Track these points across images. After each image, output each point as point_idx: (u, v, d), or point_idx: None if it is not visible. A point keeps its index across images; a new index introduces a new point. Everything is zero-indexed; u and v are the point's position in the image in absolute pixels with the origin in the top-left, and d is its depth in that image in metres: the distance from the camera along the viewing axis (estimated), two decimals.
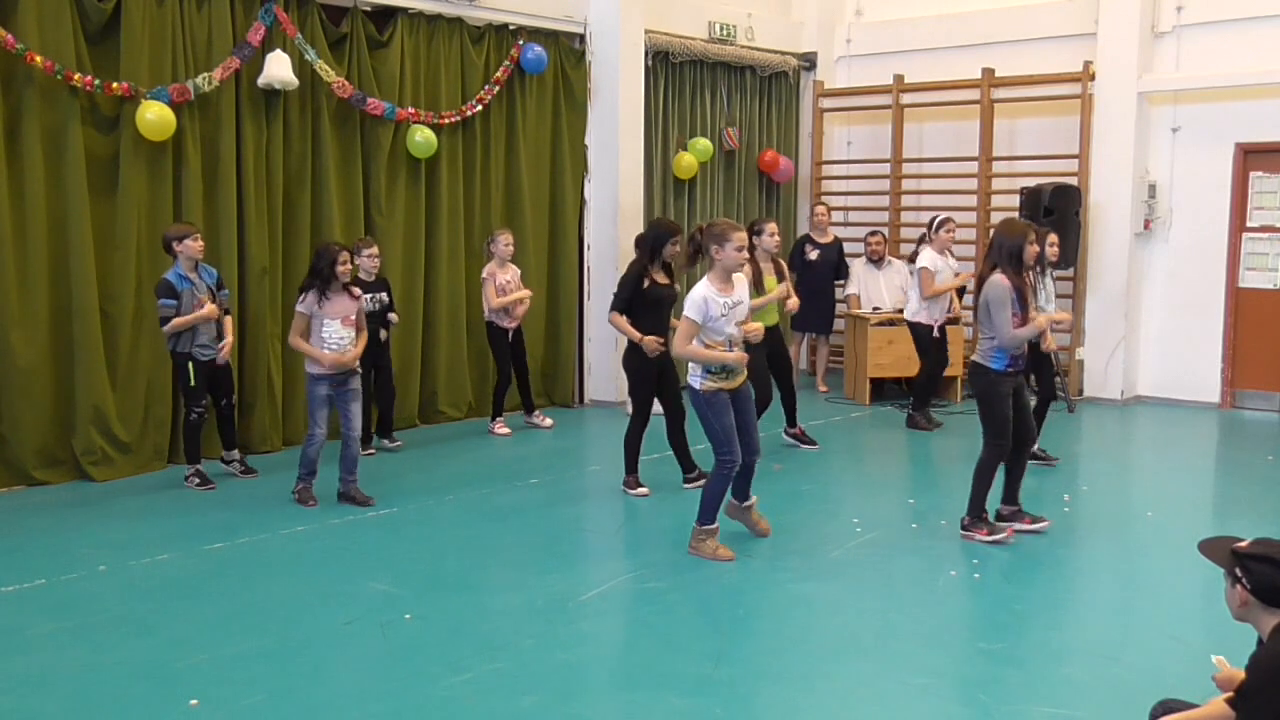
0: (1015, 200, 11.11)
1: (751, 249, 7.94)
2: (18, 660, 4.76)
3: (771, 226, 8.32)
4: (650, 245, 7.38)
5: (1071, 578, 6.02)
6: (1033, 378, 8.08)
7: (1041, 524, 6.65)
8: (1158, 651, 4.96)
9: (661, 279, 7.40)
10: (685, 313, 5.95)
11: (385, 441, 8.90)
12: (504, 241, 9.34)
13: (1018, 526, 6.56)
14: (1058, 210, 10.49)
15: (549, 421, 9.87)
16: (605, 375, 10.81)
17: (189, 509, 7.13)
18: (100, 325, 7.77)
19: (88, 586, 5.69)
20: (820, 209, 11.77)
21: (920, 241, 9.87)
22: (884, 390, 11.23)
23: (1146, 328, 11.24)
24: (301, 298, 7.06)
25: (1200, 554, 3.37)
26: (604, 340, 10.73)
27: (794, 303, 8.58)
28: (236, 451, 7.97)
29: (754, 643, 5.05)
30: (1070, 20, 11.43)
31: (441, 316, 9.80)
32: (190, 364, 7.39)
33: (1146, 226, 11.03)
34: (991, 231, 11.49)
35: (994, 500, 6.60)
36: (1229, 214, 10.69)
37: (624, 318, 7.30)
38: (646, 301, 7.31)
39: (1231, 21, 10.50)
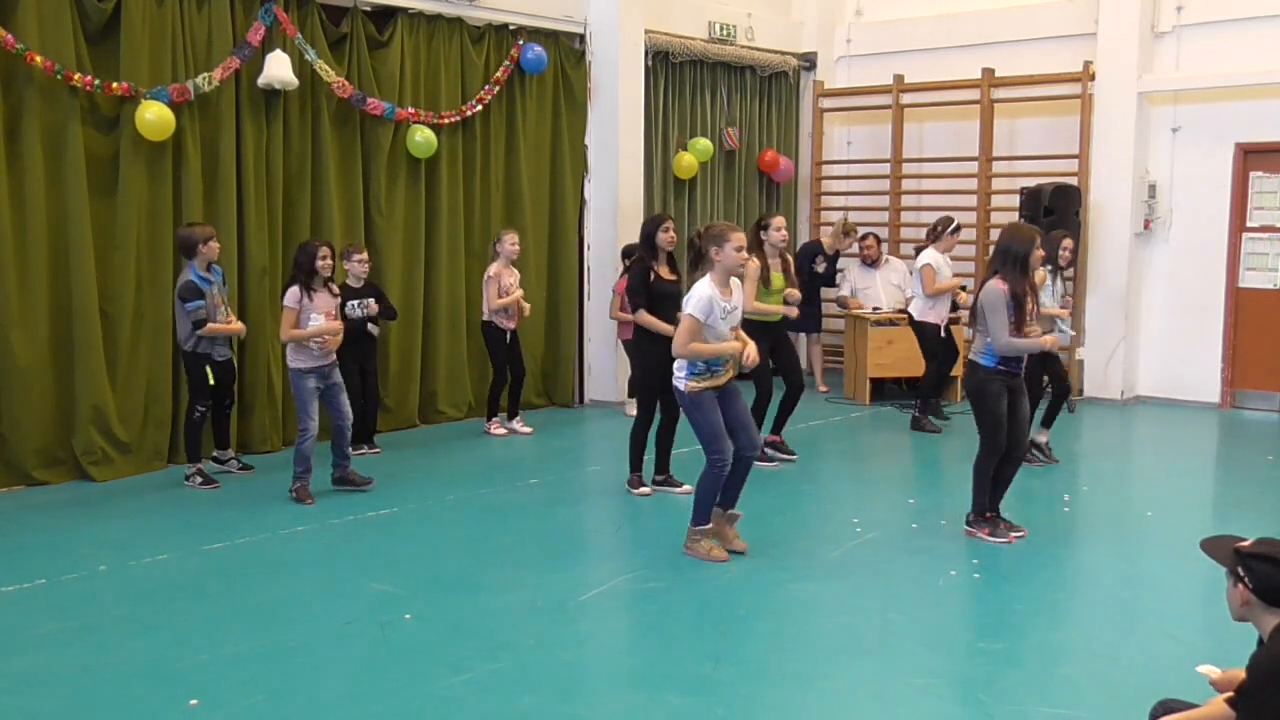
0: (1015, 200, 11.10)
1: (760, 244, 7.95)
2: (18, 660, 4.75)
3: (779, 221, 8.09)
4: (646, 240, 7.39)
5: (1071, 578, 6.02)
6: (1044, 377, 8.05)
7: (1018, 534, 6.49)
8: (1158, 651, 4.96)
9: (666, 274, 7.37)
10: (688, 311, 5.90)
11: (365, 448, 8.62)
12: (510, 241, 9.23)
13: (986, 537, 6.43)
14: (1058, 210, 10.48)
15: (528, 429, 9.54)
16: (605, 375, 10.80)
17: (189, 509, 7.13)
18: (100, 325, 7.77)
19: (88, 586, 5.69)
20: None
21: (925, 242, 9.78)
22: (884, 390, 11.22)
23: (1146, 328, 11.24)
24: (287, 293, 7.20)
25: (1202, 552, 3.37)
26: (604, 340, 10.73)
27: (794, 313, 8.26)
28: (231, 450, 8.02)
29: (754, 643, 5.05)
30: (1070, 20, 11.43)
31: (441, 316, 9.80)
32: (209, 366, 7.47)
33: (1146, 227, 11.03)
34: (992, 233, 11.65)
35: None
36: (1229, 214, 10.70)
37: (650, 315, 7.18)
38: (653, 296, 7.24)
39: (1231, 21, 10.50)
